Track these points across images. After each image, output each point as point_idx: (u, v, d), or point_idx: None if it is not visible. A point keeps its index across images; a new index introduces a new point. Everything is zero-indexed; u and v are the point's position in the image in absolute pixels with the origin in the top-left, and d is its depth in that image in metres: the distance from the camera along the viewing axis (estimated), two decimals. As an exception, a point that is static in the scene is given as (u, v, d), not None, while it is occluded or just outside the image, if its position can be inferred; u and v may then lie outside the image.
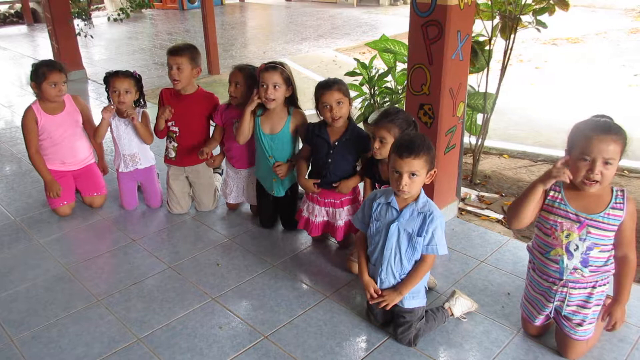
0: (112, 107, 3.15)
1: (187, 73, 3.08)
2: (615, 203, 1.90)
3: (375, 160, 2.54)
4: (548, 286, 2.06)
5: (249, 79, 2.98)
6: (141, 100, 3.29)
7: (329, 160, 2.70)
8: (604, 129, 1.81)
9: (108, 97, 3.23)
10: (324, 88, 2.62)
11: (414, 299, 2.17)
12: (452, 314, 2.30)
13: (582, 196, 1.93)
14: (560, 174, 1.85)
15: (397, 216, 2.12)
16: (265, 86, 2.73)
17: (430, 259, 2.13)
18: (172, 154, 3.25)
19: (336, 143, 2.69)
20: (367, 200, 2.28)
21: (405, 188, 2.04)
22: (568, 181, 1.87)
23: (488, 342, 2.20)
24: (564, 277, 1.99)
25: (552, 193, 1.99)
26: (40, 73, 3.15)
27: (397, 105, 4.18)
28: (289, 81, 2.80)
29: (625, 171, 3.92)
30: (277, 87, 2.74)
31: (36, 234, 3.16)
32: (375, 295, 2.19)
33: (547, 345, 2.17)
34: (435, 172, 2.12)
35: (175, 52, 3.05)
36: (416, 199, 2.12)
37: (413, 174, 2.03)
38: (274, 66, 2.75)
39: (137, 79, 3.21)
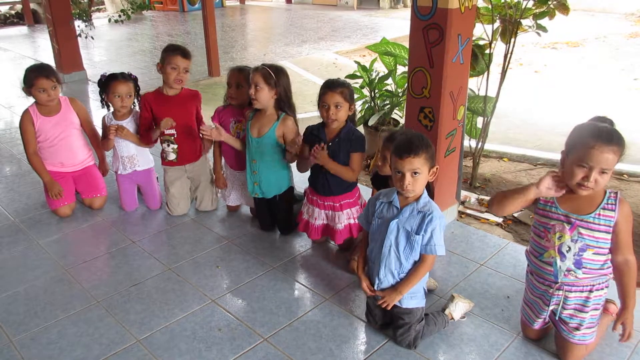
0: (114, 127, 3.15)
1: (188, 75, 3.13)
2: (607, 204, 1.90)
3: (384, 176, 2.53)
4: (545, 289, 2.06)
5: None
6: (135, 102, 3.29)
7: None
8: (605, 139, 1.79)
9: (102, 100, 3.22)
10: (327, 87, 2.63)
11: (412, 299, 2.17)
12: (453, 318, 2.31)
13: (574, 197, 1.94)
14: (549, 192, 1.94)
15: (397, 214, 2.13)
16: (252, 86, 2.77)
17: (429, 259, 2.13)
18: (173, 156, 3.24)
19: (330, 144, 2.70)
20: (371, 199, 2.30)
21: (409, 187, 2.05)
22: (557, 195, 1.94)
23: (488, 346, 2.20)
24: (559, 280, 1.99)
25: (544, 197, 2.00)
26: (29, 79, 3.15)
27: (398, 109, 4.19)
28: (272, 84, 2.76)
29: (624, 175, 3.93)
30: (258, 87, 2.75)
31: (36, 235, 3.16)
32: (367, 292, 2.23)
33: (547, 349, 2.17)
34: (437, 168, 2.13)
35: (186, 54, 3.07)
36: (418, 199, 2.13)
37: (415, 173, 2.04)
38: (255, 67, 2.79)
39: (134, 81, 3.23)
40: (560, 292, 2.02)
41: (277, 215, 3.09)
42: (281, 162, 2.93)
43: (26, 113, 3.25)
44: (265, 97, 2.77)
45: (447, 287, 2.57)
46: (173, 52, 3.05)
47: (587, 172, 1.82)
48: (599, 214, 1.90)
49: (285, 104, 2.86)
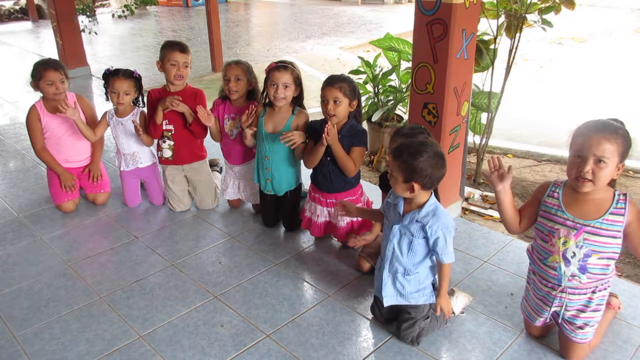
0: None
1: (189, 69, 3.11)
2: (616, 208, 1.85)
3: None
4: (547, 291, 2.04)
5: (248, 72, 3.01)
6: (139, 100, 3.28)
7: (328, 158, 2.70)
8: (599, 128, 1.77)
9: (106, 93, 3.23)
10: (327, 82, 2.64)
11: (419, 294, 2.16)
12: (453, 312, 2.30)
13: (582, 202, 1.89)
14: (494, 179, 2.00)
15: (399, 219, 2.12)
16: (275, 85, 2.73)
17: (441, 266, 2.11)
18: (169, 153, 3.22)
19: None
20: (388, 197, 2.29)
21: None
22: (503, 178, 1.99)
23: (491, 343, 2.19)
24: (563, 284, 1.97)
25: (549, 200, 1.97)
26: (37, 72, 3.15)
27: (402, 105, 4.17)
28: (298, 81, 2.80)
29: (630, 172, 3.90)
30: (287, 86, 2.74)
31: (39, 230, 3.16)
32: None
33: (551, 347, 2.16)
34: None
35: (184, 49, 3.05)
36: (421, 207, 2.08)
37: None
38: (285, 66, 2.76)
39: (137, 79, 3.20)
40: (564, 295, 2.00)
41: (283, 211, 3.08)
42: (294, 158, 2.92)
43: (33, 109, 3.24)
44: (291, 95, 2.79)
45: (451, 284, 2.53)
46: (171, 47, 3.04)
47: (582, 163, 1.78)
48: (607, 219, 1.85)
49: (301, 99, 2.88)
